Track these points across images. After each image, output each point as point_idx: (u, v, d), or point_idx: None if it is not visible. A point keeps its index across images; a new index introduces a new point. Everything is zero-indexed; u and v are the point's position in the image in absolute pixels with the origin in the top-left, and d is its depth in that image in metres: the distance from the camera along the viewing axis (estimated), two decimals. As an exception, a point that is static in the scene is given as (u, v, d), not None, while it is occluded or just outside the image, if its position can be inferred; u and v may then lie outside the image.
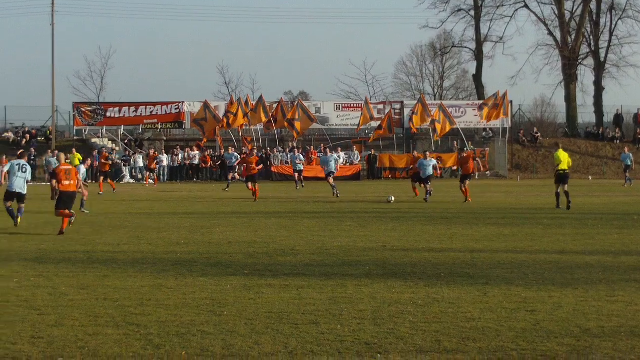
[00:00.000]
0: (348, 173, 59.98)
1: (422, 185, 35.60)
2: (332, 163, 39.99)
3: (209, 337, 9.91)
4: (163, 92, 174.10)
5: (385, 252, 17.79)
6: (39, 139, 67.93)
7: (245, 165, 37.78)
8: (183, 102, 68.13)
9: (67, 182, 22.66)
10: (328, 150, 39.76)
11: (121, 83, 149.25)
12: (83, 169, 31.24)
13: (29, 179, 24.18)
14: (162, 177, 61.43)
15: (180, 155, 62.31)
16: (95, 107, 69.64)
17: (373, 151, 63.15)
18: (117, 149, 64.27)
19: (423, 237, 21.02)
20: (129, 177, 60.51)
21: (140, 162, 60.76)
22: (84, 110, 68.27)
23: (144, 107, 68.27)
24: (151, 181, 55.06)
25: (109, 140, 68.33)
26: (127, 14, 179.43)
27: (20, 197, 23.71)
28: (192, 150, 62.52)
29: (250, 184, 36.30)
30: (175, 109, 67.98)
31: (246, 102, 64.49)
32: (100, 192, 40.90)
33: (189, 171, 62.03)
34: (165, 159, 62.08)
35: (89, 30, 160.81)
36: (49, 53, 66.74)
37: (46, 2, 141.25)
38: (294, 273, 14.86)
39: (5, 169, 24.22)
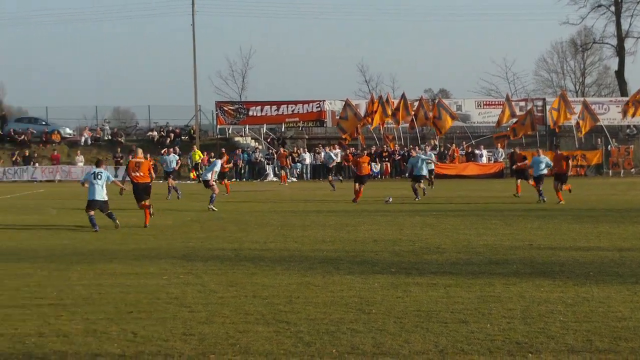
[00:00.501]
0: (491, 171, 59.38)
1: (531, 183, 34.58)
2: (422, 166, 35.40)
3: (358, 335, 9.87)
4: (304, 91, 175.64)
5: (532, 251, 17.46)
6: (182, 137, 69.30)
7: (355, 165, 35.38)
8: (324, 100, 68.55)
9: (137, 174, 24.60)
10: (413, 151, 37.68)
11: (262, 82, 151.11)
12: (219, 164, 31.60)
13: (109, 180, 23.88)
14: (305, 175, 61.92)
15: (322, 153, 62.65)
16: (237, 106, 70.72)
17: (517, 149, 62.33)
18: (260, 147, 65.00)
19: (570, 235, 20.55)
20: (272, 176, 61.11)
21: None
22: (226, 109, 69.40)
23: (286, 105, 68.96)
24: (293, 179, 55.47)
25: (251, 138, 69.21)
26: (267, 13, 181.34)
27: (103, 206, 23.29)
28: (334, 148, 62.77)
29: (357, 185, 33.91)
30: (317, 107, 68.45)
31: (387, 100, 64.42)
32: (227, 193, 39.98)
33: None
34: (307, 157, 62.52)
35: (229, 30, 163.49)
36: (191, 53, 67.98)
37: (187, 2, 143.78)
38: (441, 271, 14.70)
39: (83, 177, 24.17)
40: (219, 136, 70.26)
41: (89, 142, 69.76)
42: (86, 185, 23.33)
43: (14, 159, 65.81)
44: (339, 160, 51.30)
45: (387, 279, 13.81)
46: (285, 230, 22.12)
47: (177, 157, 39.85)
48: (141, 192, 24.54)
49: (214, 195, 29.45)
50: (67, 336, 9.73)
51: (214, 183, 29.73)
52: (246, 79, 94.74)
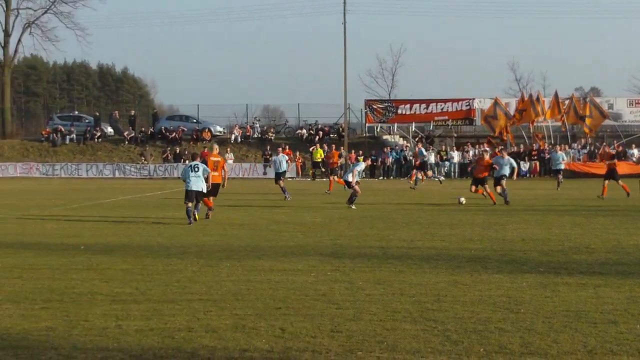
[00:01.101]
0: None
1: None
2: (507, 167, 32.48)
3: (506, 335, 9.74)
4: (453, 89, 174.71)
5: (689, 251, 16.93)
6: (331, 135, 69.73)
7: (477, 165, 33.08)
8: (474, 98, 67.94)
9: (214, 173, 26.03)
10: (504, 152, 36.04)
11: (412, 80, 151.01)
12: (362, 165, 31.61)
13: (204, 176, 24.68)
14: (452, 174, 61.56)
15: (470, 152, 62.13)
16: (386, 104, 70.77)
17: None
18: (409, 145, 64.85)
19: None
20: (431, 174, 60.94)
21: (432, 158, 60.89)
22: (375, 107, 69.53)
23: (435, 103, 68.63)
24: (442, 177, 55.10)
25: (400, 137, 69.15)
26: (418, 11, 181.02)
27: (199, 195, 24.67)
28: (482, 146, 62.17)
29: (474, 187, 31.88)
30: (466, 105, 67.92)
31: (537, 99, 63.40)
32: (328, 191, 39.67)
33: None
34: (455, 156, 62.14)
35: (379, 28, 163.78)
36: (341, 52, 68.25)
37: (338, 1, 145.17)
38: (590, 271, 14.39)
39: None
40: (367, 134, 70.45)
41: (239, 139, 70.91)
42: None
43: (164, 156, 67.44)
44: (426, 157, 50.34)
45: (536, 279, 13.60)
46: (433, 229, 22.01)
47: (287, 158, 39.50)
48: (212, 190, 25.72)
49: (355, 196, 29.48)
50: (216, 331, 9.89)
51: (355, 184, 29.76)
52: (396, 77, 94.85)
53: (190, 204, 24.22)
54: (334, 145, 45.44)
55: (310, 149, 63.37)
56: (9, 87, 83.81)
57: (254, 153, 69.42)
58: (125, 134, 72.84)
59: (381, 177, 61.95)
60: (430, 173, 50.61)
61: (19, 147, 73.50)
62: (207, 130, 71.47)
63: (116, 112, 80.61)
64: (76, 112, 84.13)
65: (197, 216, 24.92)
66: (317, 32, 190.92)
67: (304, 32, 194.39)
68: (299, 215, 26.80)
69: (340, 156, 41.68)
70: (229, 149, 67.15)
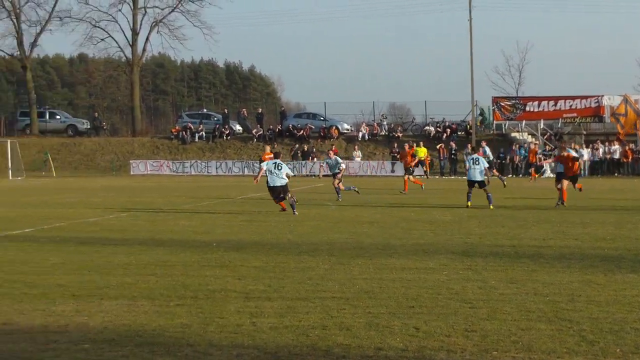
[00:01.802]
0: None
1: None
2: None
3: (645, 336, 9.53)
4: (582, 86, 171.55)
5: None
6: (459, 133, 69.27)
7: (562, 162, 31.14)
8: (602, 95, 66.59)
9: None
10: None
11: (539, 77, 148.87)
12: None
13: (290, 173, 27.20)
14: (582, 172, 60.45)
15: (600, 149, 60.94)
16: (514, 101, 69.94)
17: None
18: (538, 143, 63.93)
19: None
20: (549, 172, 59.97)
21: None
22: (503, 104, 68.80)
23: (563, 101, 67.54)
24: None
25: (528, 134, 68.24)
26: (544, 7, 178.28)
27: (283, 190, 26.81)
28: (612, 144, 60.94)
29: (560, 183, 30.07)
30: (595, 102, 66.64)
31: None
32: (404, 191, 38.73)
33: (609, 166, 60.55)
34: (585, 154, 61.01)
35: (506, 24, 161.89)
36: (467, 48, 67.83)
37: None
38: None
39: (264, 167, 27.23)
40: (495, 132, 69.76)
41: (366, 137, 71.02)
42: (261, 172, 27.09)
43: (292, 153, 67.99)
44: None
45: (674, 279, 13.27)
46: (564, 227, 21.65)
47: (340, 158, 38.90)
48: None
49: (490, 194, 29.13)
50: (350, 329, 9.90)
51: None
52: (523, 74, 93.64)
53: (277, 200, 26.57)
54: (406, 145, 44.90)
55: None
56: (137, 86, 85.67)
57: (381, 151, 69.45)
58: (254, 131, 73.70)
59: (510, 175, 61.27)
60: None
61: (149, 145, 75.08)
62: (334, 127, 71.81)
63: (244, 110, 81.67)
64: (205, 110, 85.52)
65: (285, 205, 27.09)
66: (443, 28, 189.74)
67: (430, 28, 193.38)
68: (428, 213, 26.71)
69: (413, 155, 40.78)
70: (356, 147, 67.31)
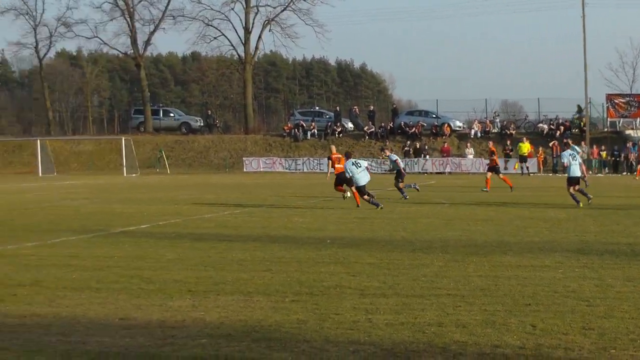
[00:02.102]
0: None
1: None
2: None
3: None
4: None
5: None
6: (573, 130, 68.15)
7: None
8: None
9: (339, 166, 30.12)
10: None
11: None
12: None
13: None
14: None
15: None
16: (628, 98, 68.57)
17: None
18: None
19: None
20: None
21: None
22: (617, 102, 67.51)
23: (680, 97, 66.10)
24: None
25: (643, 131, 66.90)
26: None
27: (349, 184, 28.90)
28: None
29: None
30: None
31: None
32: (486, 189, 37.61)
33: None
34: None
35: (619, 21, 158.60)
36: (580, 45, 66.64)
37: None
38: None
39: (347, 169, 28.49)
40: (609, 129, 68.46)
41: (479, 134, 70.42)
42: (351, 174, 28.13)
43: (404, 151, 67.81)
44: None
45: None
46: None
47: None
48: (343, 180, 29.74)
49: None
50: (466, 327, 9.83)
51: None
52: (637, 71, 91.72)
53: (366, 196, 27.76)
54: (490, 143, 44.12)
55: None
56: (250, 84, 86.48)
57: (496, 147, 68.72)
58: (365, 129, 73.73)
59: (624, 173, 60.06)
60: None
61: (262, 142, 75.72)
62: (446, 125, 71.40)
63: (356, 107, 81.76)
64: (317, 108, 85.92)
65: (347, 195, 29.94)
66: (555, 25, 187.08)
67: (542, 25, 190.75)
68: (543, 210, 26.37)
69: (492, 153, 39.63)
70: (468, 144, 66.81)
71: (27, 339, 9.46)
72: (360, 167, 28.06)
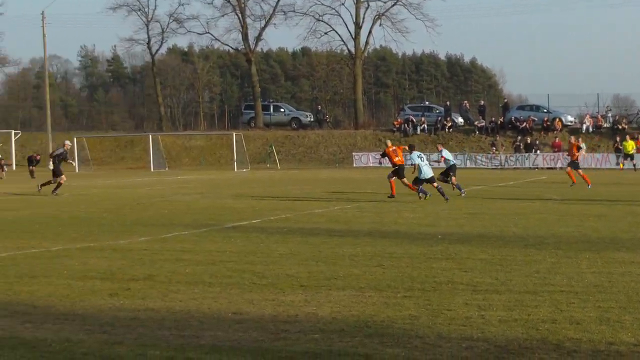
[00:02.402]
0: None
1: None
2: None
3: None
4: None
5: None
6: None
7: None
8: None
9: (397, 159, 31.20)
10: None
11: None
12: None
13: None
14: None
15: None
16: None
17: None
18: None
19: None
20: None
21: None
22: None
23: None
24: None
25: None
26: None
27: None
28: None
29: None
30: None
31: None
32: (574, 184, 37.13)
33: None
34: None
35: None
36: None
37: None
38: None
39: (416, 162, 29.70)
40: None
41: (590, 129, 69.26)
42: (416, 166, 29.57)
43: (515, 145, 67.10)
44: None
45: None
46: None
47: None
48: (402, 171, 30.92)
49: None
50: (580, 323, 9.69)
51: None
52: None
53: (436, 184, 29.46)
54: (572, 138, 43.02)
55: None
56: (360, 79, 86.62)
57: (605, 143, 67.58)
58: (476, 123, 73.19)
59: None
60: None
61: (372, 137, 75.78)
62: (557, 120, 70.40)
63: (466, 102, 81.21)
64: (426, 103, 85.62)
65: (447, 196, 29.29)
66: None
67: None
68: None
69: (579, 148, 38.43)
70: (580, 139, 65.73)
71: (141, 333, 9.61)
72: (423, 159, 29.54)
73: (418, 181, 29.67)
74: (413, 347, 8.87)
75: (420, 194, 29.52)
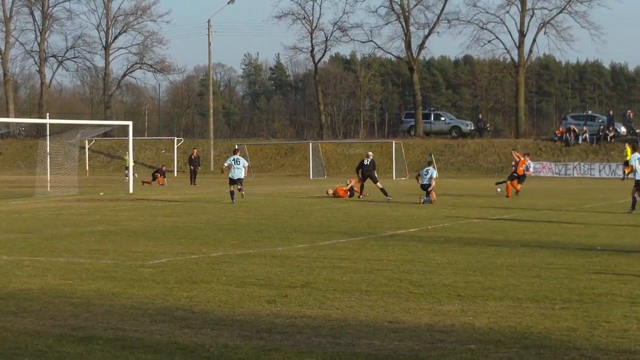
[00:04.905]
0: None
1: None
2: None
3: None
4: None
5: None
6: None
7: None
8: None
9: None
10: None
11: None
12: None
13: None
14: None
15: None
16: None
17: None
18: None
19: None
20: None
21: None
22: None
23: None
24: None
25: None
26: None
27: None
28: None
29: None
30: None
31: None
32: None
33: None
34: None
35: None
36: None
37: None
38: None
39: None
40: None
41: None
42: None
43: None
44: None
45: None
46: None
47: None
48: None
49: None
50: None
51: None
52: None
53: None
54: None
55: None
56: (522, 87, 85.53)
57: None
58: (638, 131, 71.35)
59: None
60: None
61: (532, 146, 74.64)
62: None
63: (630, 111, 79.17)
64: (589, 112, 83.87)
65: None
66: None
67: None
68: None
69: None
70: None
71: (298, 340, 9.77)
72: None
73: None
74: (570, 358, 8.80)
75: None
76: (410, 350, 9.24)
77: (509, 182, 38.05)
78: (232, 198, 34.44)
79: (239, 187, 34.62)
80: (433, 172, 34.26)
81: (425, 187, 33.99)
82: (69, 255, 17.74)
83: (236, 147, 39.41)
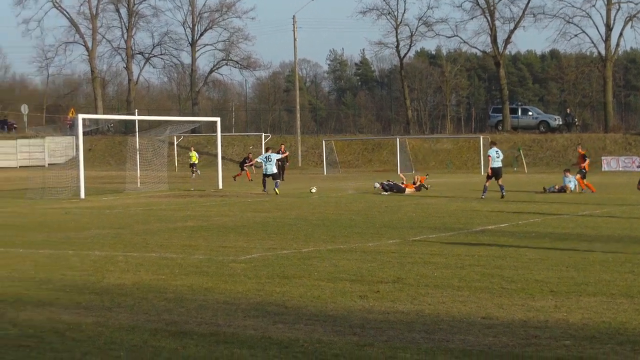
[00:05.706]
0: None
1: None
2: None
3: None
4: None
5: None
6: None
7: None
8: None
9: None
10: None
11: None
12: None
13: None
14: None
15: None
16: None
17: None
18: None
19: None
20: None
21: None
22: None
23: None
24: None
25: None
26: None
27: None
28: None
29: None
30: None
31: None
32: None
33: None
34: None
35: None
36: None
37: None
38: None
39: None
40: None
41: None
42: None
43: None
44: None
45: None
46: None
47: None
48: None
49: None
50: None
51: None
52: None
53: None
54: None
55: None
56: (610, 81, 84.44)
57: None
58: None
59: None
60: None
61: (621, 141, 73.67)
62: None
63: None
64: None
65: None
66: None
67: None
68: None
69: None
70: None
71: (391, 336, 9.81)
72: None
73: None
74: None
75: None
76: (505, 346, 9.24)
77: (580, 179, 38.17)
78: (264, 187, 39.09)
79: (275, 180, 38.93)
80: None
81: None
82: (161, 250, 18.07)
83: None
